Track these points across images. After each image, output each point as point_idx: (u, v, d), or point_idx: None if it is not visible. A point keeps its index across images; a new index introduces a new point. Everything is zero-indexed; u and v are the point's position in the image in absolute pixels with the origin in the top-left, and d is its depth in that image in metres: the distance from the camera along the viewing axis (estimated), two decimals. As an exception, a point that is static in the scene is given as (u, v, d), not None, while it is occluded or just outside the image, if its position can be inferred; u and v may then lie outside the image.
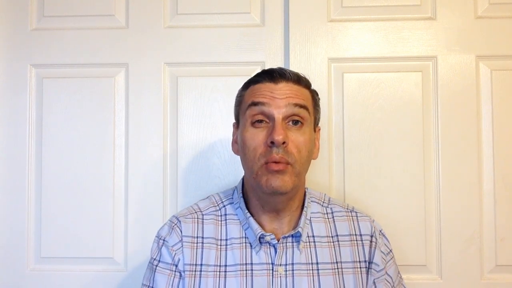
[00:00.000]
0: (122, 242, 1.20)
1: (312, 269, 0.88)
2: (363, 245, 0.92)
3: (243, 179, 0.95)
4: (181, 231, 0.89)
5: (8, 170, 1.22)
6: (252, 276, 0.86)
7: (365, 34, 1.20)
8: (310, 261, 0.88)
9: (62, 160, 1.22)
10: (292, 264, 0.87)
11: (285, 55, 1.21)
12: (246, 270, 0.87)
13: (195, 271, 0.87)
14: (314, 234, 0.91)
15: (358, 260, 0.91)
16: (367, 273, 0.91)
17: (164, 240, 0.90)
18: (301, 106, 0.85)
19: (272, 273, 0.86)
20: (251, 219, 0.88)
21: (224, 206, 0.94)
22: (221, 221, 0.92)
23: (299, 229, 0.88)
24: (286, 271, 0.87)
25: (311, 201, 0.95)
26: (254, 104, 0.85)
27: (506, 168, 1.17)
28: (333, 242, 0.91)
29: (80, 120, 1.22)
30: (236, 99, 0.94)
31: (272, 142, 0.81)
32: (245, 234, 0.89)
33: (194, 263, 0.88)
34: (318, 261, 0.89)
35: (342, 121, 1.19)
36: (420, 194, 1.17)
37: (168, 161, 1.21)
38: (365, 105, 1.19)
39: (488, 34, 1.18)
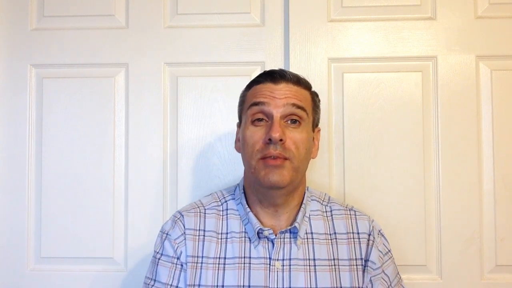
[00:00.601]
0: (122, 242, 1.20)
1: (309, 265, 0.89)
2: (360, 243, 0.93)
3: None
4: (184, 225, 0.92)
5: (8, 170, 1.22)
6: (249, 269, 0.88)
7: (365, 34, 1.20)
8: (308, 257, 0.90)
9: (62, 160, 1.22)
10: (290, 259, 0.89)
11: (285, 55, 1.21)
12: (244, 263, 0.89)
13: (197, 263, 0.89)
14: (313, 231, 0.92)
15: (354, 257, 0.92)
16: (363, 271, 0.92)
17: (167, 234, 0.93)
18: (299, 107, 0.88)
19: (269, 267, 0.88)
20: (251, 214, 0.91)
21: (226, 201, 0.96)
22: (222, 215, 0.94)
23: (296, 224, 0.90)
24: (283, 266, 0.88)
25: (311, 200, 0.97)
26: (255, 104, 0.89)
27: (506, 168, 1.17)
28: (330, 239, 0.93)
29: (80, 120, 1.22)
30: (239, 99, 0.97)
31: (270, 139, 0.84)
32: (245, 229, 0.91)
33: (196, 255, 0.90)
34: (316, 257, 0.90)
35: (342, 121, 1.19)
36: (420, 194, 1.17)
37: (168, 161, 1.21)
38: (365, 105, 1.19)
39: (488, 34, 1.18)
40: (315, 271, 0.89)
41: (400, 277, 0.98)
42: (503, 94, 1.18)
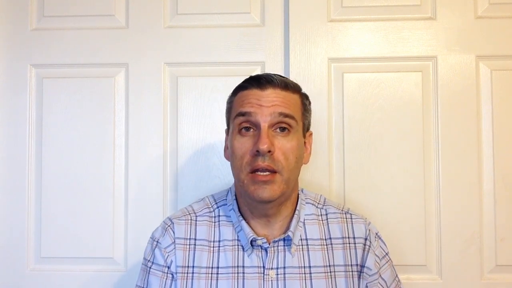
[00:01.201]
0: (122, 242, 1.20)
1: (305, 273, 0.88)
2: (355, 248, 0.91)
3: None
4: (174, 233, 0.90)
5: (8, 170, 1.22)
6: (243, 279, 0.87)
7: (365, 34, 1.20)
8: (303, 265, 0.88)
9: (62, 160, 1.22)
10: (284, 267, 0.87)
11: (285, 55, 1.21)
12: (237, 273, 0.87)
13: (187, 273, 0.88)
14: (307, 237, 0.90)
15: (350, 263, 0.90)
16: (359, 277, 0.90)
17: (157, 241, 0.91)
18: (287, 115, 0.84)
19: (263, 276, 0.86)
20: (243, 222, 0.89)
21: (218, 207, 0.94)
22: (214, 222, 0.92)
23: (289, 233, 0.88)
24: (278, 274, 0.87)
25: (306, 203, 0.95)
26: (242, 114, 0.85)
27: (506, 168, 1.17)
28: (326, 245, 0.91)
29: (80, 120, 1.22)
30: (226, 105, 0.93)
31: (258, 151, 0.81)
32: (238, 236, 0.89)
33: (186, 265, 0.88)
34: (311, 265, 0.88)
35: (342, 121, 1.19)
36: (420, 194, 1.17)
37: (168, 161, 1.21)
38: (365, 105, 1.19)
39: (488, 34, 1.18)
40: (311, 279, 0.87)
41: (399, 280, 0.97)
42: (503, 94, 1.18)
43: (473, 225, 1.16)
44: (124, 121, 1.22)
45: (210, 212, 0.93)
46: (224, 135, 0.96)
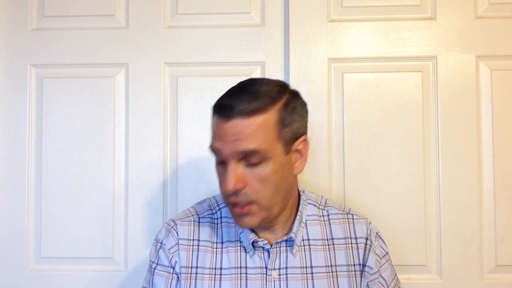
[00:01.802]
0: (122, 242, 1.20)
1: (306, 273, 0.88)
2: (357, 248, 0.91)
3: None
4: (177, 234, 0.91)
5: (8, 170, 1.22)
6: (246, 279, 0.87)
7: (365, 34, 1.20)
8: (305, 265, 0.88)
9: (62, 160, 1.22)
10: (286, 268, 0.87)
11: (285, 55, 1.21)
12: (240, 273, 0.87)
13: (191, 273, 0.88)
14: (309, 238, 0.91)
15: (352, 263, 0.90)
16: (361, 276, 0.91)
17: (161, 243, 0.91)
18: (250, 152, 0.78)
19: (266, 277, 0.87)
20: None
21: (220, 209, 0.94)
22: (217, 224, 0.92)
23: (292, 235, 0.88)
24: (280, 275, 0.87)
25: (307, 204, 0.94)
26: (212, 149, 0.82)
27: (506, 168, 1.17)
28: (328, 245, 0.91)
29: (80, 120, 1.22)
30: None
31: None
32: (240, 237, 0.90)
33: (190, 265, 0.88)
34: (313, 265, 0.89)
35: (342, 121, 1.19)
36: (420, 194, 1.17)
37: (168, 161, 1.21)
38: (365, 105, 1.19)
39: (488, 34, 1.18)
40: (313, 279, 0.88)
41: (398, 279, 0.98)
42: (503, 94, 1.18)
43: (473, 225, 1.16)
44: (124, 121, 1.22)
45: (212, 213, 0.94)
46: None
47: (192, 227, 0.92)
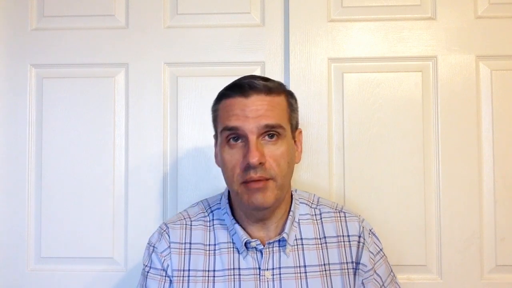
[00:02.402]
0: (122, 242, 1.20)
1: (300, 272, 0.88)
2: (350, 246, 0.92)
3: None
4: (169, 237, 0.92)
5: (8, 170, 1.22)
6: (240, 280, 0.87)
7: (365, 34, 1.20)
8: (298, 264, 0.89)
9: (62, 160, 1.22)
10: (279, 268, 0.88)
11: (285, 55, 1.21)
12: (234, 275, 0.88)
13: (183, 276, 0.89)
14: (302, 237, 0.91)
15: (345, 261, 0.91)
16: (355, 274, 0.91)
17: (154, 246, 0.92)
18: (273, 127, 0.83)
19: (259, 277, 0.87)
20: (237, 225, 0.89)
21: (212, 211, 0.95)
22: (209, 226, 0.93)
23: (284, 235, 0.88)
24: (273, 275, 0.87)
25: (300, 203, 0.95)
26: (228, 129, 0.84)
27: (506, 168, 1.17)
28: (320, 244, 0.91)
29: (80, 120, 1.22)
30: (211, 113, 0.92)
31: (249, 164, 0.81)
32: (232, 239, 0.90)
33: (182, 268, 0.89)
34: (306, 264, 0.89)
35: (342, 121, 1.19)
36: (420, 194, 1.17)
37: (168, 161, 1.21)
38: (365, 105, 1.19)
39: (488, 34, 1.18)
40: (306, 278, 0.88)
41: (394, 275, 0.98)
42: (503, 94, 1.18)
43: (473, 225, 1.16)
44: (124, 121, 1.22)
45: (204, 216, 0.94)
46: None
47: (184, 230, 0.92)
